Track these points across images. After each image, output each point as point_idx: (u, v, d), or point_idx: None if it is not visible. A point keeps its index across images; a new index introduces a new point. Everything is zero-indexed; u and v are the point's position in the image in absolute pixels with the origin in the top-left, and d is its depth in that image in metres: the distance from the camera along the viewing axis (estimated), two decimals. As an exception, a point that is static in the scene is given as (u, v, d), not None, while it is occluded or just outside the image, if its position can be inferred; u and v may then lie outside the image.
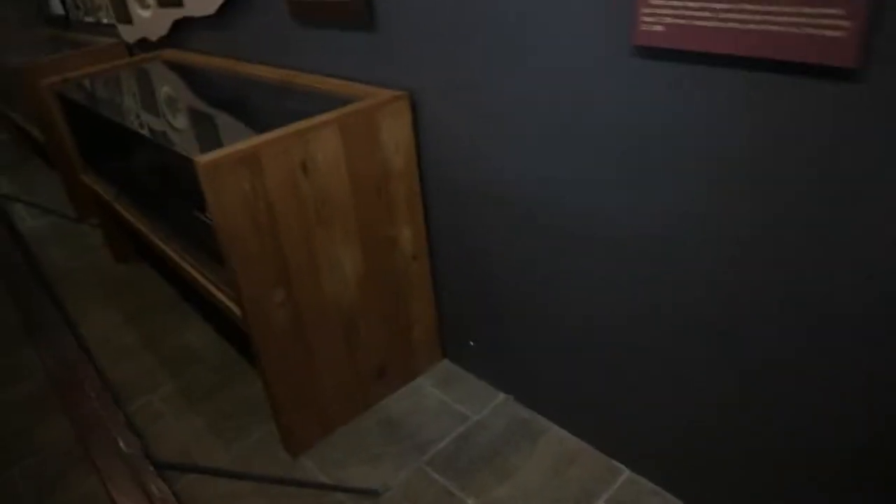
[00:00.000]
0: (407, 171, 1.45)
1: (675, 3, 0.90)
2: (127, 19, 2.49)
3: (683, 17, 0.90)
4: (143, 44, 2.54)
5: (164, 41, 2.36)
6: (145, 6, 2.32)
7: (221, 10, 1.90)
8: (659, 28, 0.92)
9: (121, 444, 1.41)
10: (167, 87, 2.13)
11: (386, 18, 1.38)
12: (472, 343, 1.61)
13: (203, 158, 1.14)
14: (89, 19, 2.94)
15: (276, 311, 1.32)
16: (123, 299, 2.18)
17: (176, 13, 2.14)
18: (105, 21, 2.79)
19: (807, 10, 0.79)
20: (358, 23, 1.43)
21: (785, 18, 0.81)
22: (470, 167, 1.37)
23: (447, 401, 1.60)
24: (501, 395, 1.59)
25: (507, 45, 1.16)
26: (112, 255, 2.42)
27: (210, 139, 1.57)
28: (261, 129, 1.51)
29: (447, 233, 1.52)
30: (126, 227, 2.26)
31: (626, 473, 1.34)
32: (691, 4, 0.89)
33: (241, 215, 1.21)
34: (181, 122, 1.77)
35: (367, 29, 1.43)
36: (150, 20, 2.33)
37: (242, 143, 1.20)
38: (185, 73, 2.16)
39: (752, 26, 0.84)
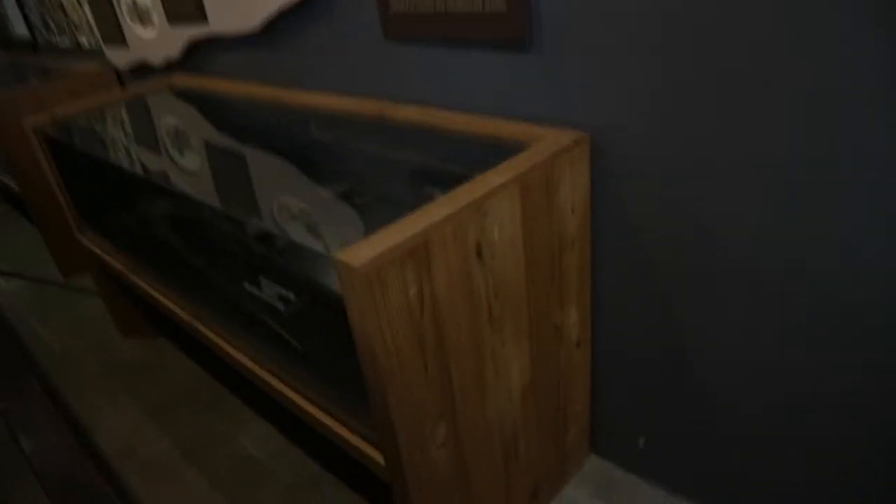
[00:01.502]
0: (580, 237, 1.04)
1: None
2: (118, 40, 1.99)
3: None
4: (140, 70, 2.04)
5: (171, 65, 1.87)
6: (147, 23, 1.82)
7: (267, 26, 1.44)
8: None
9: None
10: (200, 125, 1.65)
11: (553, 34, 0.96)
12: (641, 442, 1.22)
13: (355, 258, 0.70)
14: (63, 42, 2.41)
15: (436, 454, 0.90)
16: (144, 390, 1.68)
17: (194, 32, 1.66)
18: (86, 43, 2.26)
19: None
20: (508, 40, 1.01)
21: None
22: (668, 228, 0.97)
23: (616, 521, 1.20)
24: (686, 509, 1.20)
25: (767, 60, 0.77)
26: (118, 330, 1.91)
27: (310, 208, 1.13)
28: (384, 189, 1.09)
29: (617, 310, 1.11)
30: (143, 301, 1.77)
31: None
32: None
33: (402, 333, 0.77)
34: (243, 178, 1.32)
35: (520, 48, 1.01)
36: (153, 41, 1.84)
37: (404, 225, 0.77)
38: (218, 105, 1.68)
39: None
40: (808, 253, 0.84)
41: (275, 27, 1.44)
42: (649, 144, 0.94)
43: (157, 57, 1.87)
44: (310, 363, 1.11)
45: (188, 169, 1.44)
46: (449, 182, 0.91)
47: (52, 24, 2.42)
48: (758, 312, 0.93)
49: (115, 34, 1.98)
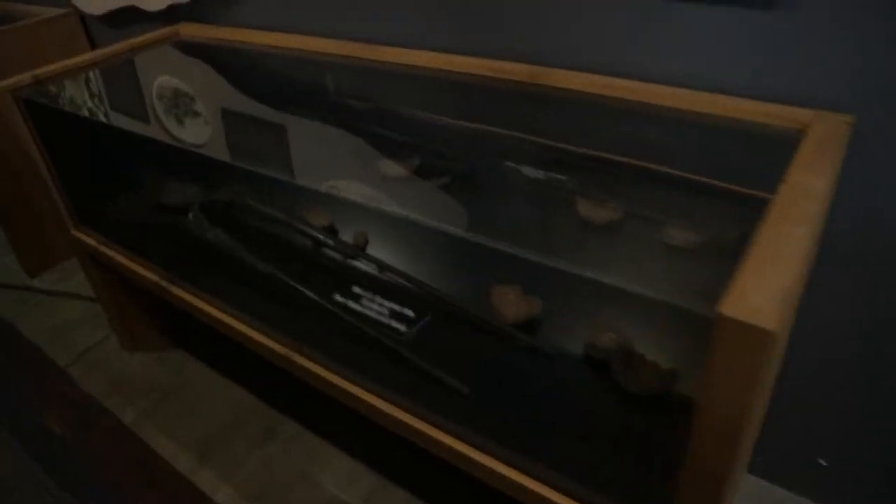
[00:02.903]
0: (820, 240, 0.84)
1: None
2: (94, -21, 1.55)
3: None
4: (119, 19, 1.62)
5: (170, 13, 1.48)
6: (143, -42, 1.41)
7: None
8: None
9: None
10: (242, 91, 1.31)
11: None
12: (823, 462, 1.06)
13: (759, 316, 0.46)
14: (1, -21, 1.89)
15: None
16: (179, 419, 1.35)
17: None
18: (37, -18, 1.78)
19: None
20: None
21: None
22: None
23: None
24: (870, 532, 1.06)
25: None
26: (122, 342, 1.54)
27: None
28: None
29: (821, 316, 0.94)
30: (158, 308, 1.43)
31: None
32: None
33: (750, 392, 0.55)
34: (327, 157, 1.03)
35: (763, 3, 0.78)
36: (153, -20, 1.44)
37: (772, 254, 0.53)
38: (261, 65, 1.34)
39: None
40: None
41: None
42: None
43: (155, 1, 1.47)
44: (481, 407, 0.86)
45: (249, 146, 1.12)
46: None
47: (-16, -43, 1.90)
48: None
49: (89, -29, 1.55)
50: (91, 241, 1.31)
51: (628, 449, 0.79)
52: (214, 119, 1.29)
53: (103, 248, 1.29)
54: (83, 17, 1.74)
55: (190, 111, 1.33)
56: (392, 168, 1.11)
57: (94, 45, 1.78)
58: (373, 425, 0.90)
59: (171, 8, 1.45)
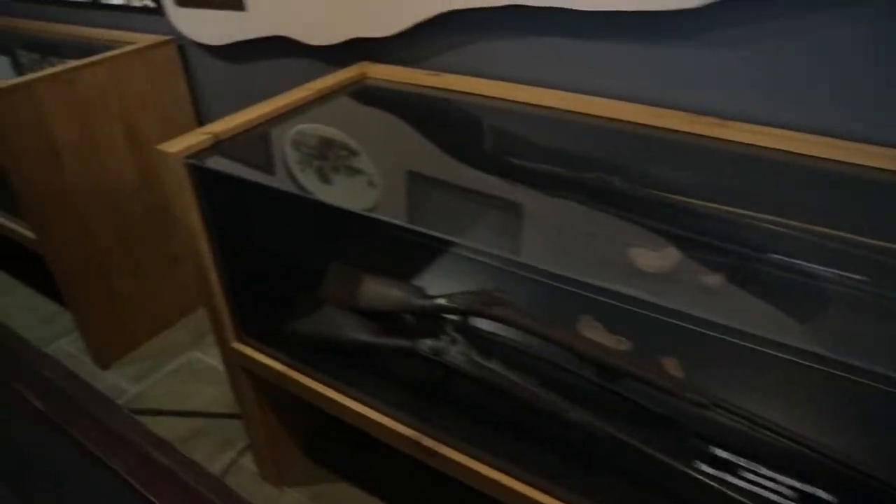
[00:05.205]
0: None
1: None
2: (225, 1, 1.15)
3: None
4: (242, 50, 1.22)
5: (338, 50, 1.10)
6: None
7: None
8: None
9: None
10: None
11: None
12: None
13: None
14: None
15: None
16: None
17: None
18: (121, 1, 1.35)
19: None
20: None
21: None
22: None
23: None
24: None
25: None
26: (263, 474, 1.13)
27: None
28: None
29: None
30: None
31: None
32: None
33: None
34: None
35: None
36: (321, 7, 1.06)
37: None
38: (480, 120, 0.99)
39: None
40: None
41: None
42: None
43: (321, 35, 1.08)
44: None
45: (445, 221, 0.79)
46: None
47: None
48: None
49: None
50: (273, 364, 0.92)
51: None
52: (391, 185, 0.94)
53: (293, 374, 0.90)
54: (181, 47, 1.33)
55: (343, 166, 0.98)
56: (649, 260, 0.80)
57: (192, 82, 1.37)
58: None
59: (347, 43, 1.07)
